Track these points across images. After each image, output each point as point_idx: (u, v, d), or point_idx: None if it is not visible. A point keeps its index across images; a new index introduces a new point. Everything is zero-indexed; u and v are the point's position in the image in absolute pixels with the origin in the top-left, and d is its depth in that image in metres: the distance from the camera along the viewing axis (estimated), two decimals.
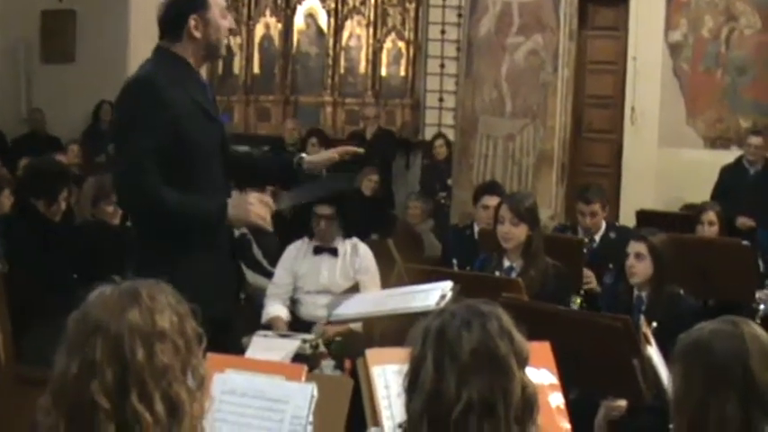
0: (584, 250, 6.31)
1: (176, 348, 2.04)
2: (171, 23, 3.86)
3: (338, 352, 4.98)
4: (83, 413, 1.99)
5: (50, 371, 2.07)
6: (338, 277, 5.93)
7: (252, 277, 7.13)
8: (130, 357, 1.99)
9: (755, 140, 8.94)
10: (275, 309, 6.01)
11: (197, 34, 3.80)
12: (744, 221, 8.46)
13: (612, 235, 6.84)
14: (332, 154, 4.11)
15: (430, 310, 3.51)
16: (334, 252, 6.05)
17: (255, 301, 6.50)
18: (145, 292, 2.08)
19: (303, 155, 4.19)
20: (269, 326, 5.90)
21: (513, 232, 5.36)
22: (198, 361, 2.10)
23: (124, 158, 3.77)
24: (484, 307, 2.24)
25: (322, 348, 5.27)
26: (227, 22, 3.89)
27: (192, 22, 3.79)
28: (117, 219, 6.30)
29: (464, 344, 2.16)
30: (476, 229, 7.10)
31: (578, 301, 5.76)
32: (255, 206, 3.77)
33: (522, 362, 2.20)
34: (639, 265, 5.11)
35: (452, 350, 2.16)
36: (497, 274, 5.35)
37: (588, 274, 6.15)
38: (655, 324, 4.36)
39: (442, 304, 3.62)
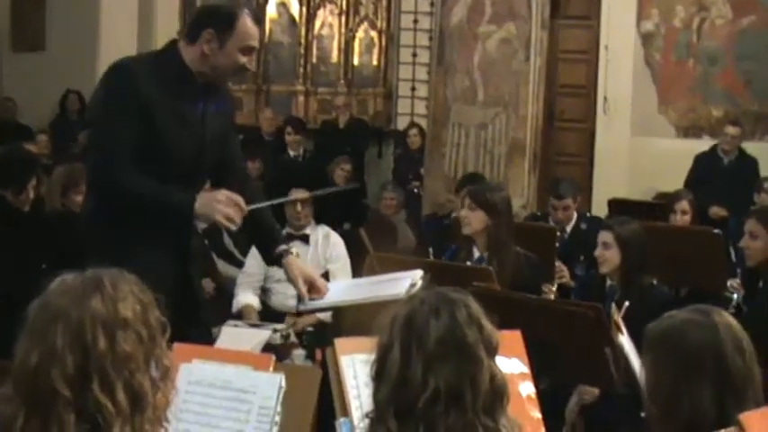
0: (557, 244, 6.32)
1: (139, 338, 2.02)
2: (193, 25, 3.82)
3: (310, 342, 4.96)
4: (43, 401, 1.97)
5: (12, 360, 2.05)
6: (309, 265, 5.90)
7: (223, 267, 7.11)
8: (92, 345, 1.97)
9: (732, 130, 8.97)
10: (246, 297, 5.99)
11: (206, 49, 3.72)
12: (716, 211, 8.49)
13: (583, 226, 6.87)
14: (301, 287, 3.95)
15: (399, 299, 3.53)
16: (305, 239, 6.03)
17: (226, 290, 6.48)
18: (108, 280, 2.05)
19: (291, 253, 4.01)
20: (240, 315, 5.88)
21: (469, 217, 5.34)
22: (161, 351, 2.08)
23: (96, 143, 3.74)
24: (453, 295, 2.22)
25: (293, 338, 5.25)
26: (242, 59, 3.76)
27: (206, 36, 3.71)
28: None
29: (431, 331, 2.13)
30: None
31: (553, 288, 5.76)
32: (224, 205, 3.69)
33: (492, 351, 2.17)
34: (607, 254, 5.13)
35: (419, 338, 2.13)
36: (468, 264, 5.33)
37: (561, 268, 6.15)
38: (627, 303, 4.33)
39: (412, 292, 3.58)
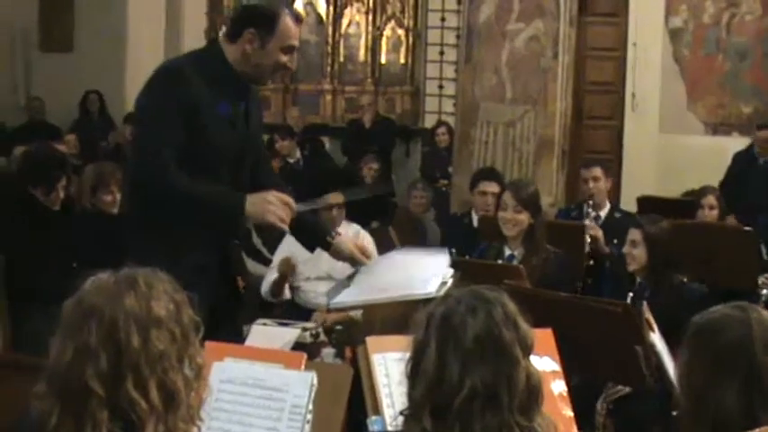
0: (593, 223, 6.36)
1: (173, 336, 2.04)
2: (234, 24, 3.83)
3: (339, 340, 4.95)
4: (77, 399, 1.98)
5: (46, 358, 2.06)
6: (339, 264, 5.89)
7: (252, 266, 7.12)
8: (125, 343, 1.99)
9: (763, 134, 8.89)
10: (275, 275, 6.05)
11: (248, 48, 3.73)
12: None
13: (618, 215, 6.88)
14: (359, 256, 4.00)
15: (430, 297, 3.53)
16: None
17: (255, 289, 6.49)
18: (142, 279, 2.07)
19: (336, 234, 4.11)
20: (269, 312, 5.89)
21: (516, 219, 5.35)
22: (195, 350, 2.09)
23: (144, 144, 3.73)
24: (489, 293, 2.21)
25: (322, 337, 5.25)
26: (284, 58, 3.77)
27: (248, 35, 3.73)
28: (115, 208, 6.26)
29: (468, 330, 2.13)
30: (474, 216, 7.08)
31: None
32: (275, 206, 3.70)
33: (527, 350, 2.17)
34: (634, 252, 5.13)
35: (456, 336, 2.13)
36: (499, 262, 5.33)
37: (596, 229, 6.20)
38: (645, 303, 4.33)
39: (443, 291, 3.58)
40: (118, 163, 6.85)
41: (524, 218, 5.34)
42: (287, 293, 6.10)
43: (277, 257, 6.20)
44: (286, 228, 3.76)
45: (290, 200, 3.75)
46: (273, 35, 3.72)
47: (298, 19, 3.83)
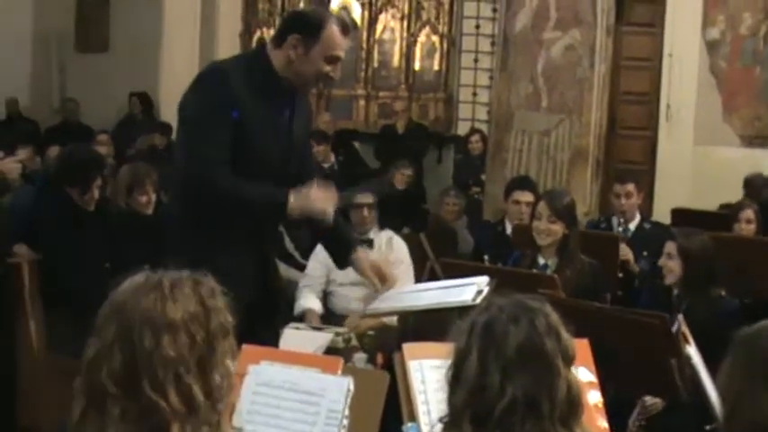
0: (623, 235, 6.33)
1: (192, 341, 2.00)
2: (281, 29, 3.87)
3: (371, 346, 4.97)
4: (97, 396, 1.98)
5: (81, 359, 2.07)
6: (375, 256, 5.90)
7: (284, 270, 7.12)
8: (138, 344, 1.97)
9: None
10: (308, 301, 6.02)
11: (291, 55, 3.75)
12: None
13: (647, 226, 6.86)
14: (374, 281, 3.97)
15: (466, 305, 3.53)
16: (369, 243, 6.05)
17: (287, 293, 6.50)
18: (168, 280, 2.05)
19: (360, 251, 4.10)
20: (302, 318, 5.90)
21: (551, 229, 5.34)
22: (221, 356, 2.03)
23: (192, 143, 3.75)
24: (532, 303, 2.22)
25: (354, 342, 5.27)
26: (327, 67, 3.78)
27: (292, 40, 3.74)
28: (150, 209, 6.30)
29: (510, 339, 2.14)
30: (507, 225, 7.06)
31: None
32: (319, 197, 3.74)
33: (569, 360, 2.17)
34: (670, 264, 5.12)
35: (498, 345, 2.14)
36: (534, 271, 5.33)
37: (625, 249, 6.17)
38: (680, 316, 4.31)
39: (479, 300, 3.58)
40: (153, 164, 6.88)
41: (558, 228, 5.32)
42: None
43: (312, 263, 6.21)
44: (330, 219, 3.78)
45: (334, 191, 3.81)
46: (318, 42, 3.73)
47: (345, 30, 3.82)
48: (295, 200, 3.73)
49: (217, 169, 3.66)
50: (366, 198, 6.01)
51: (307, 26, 3.75)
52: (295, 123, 3.90)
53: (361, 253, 4.03)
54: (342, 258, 4.10)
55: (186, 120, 3.81)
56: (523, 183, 7.27)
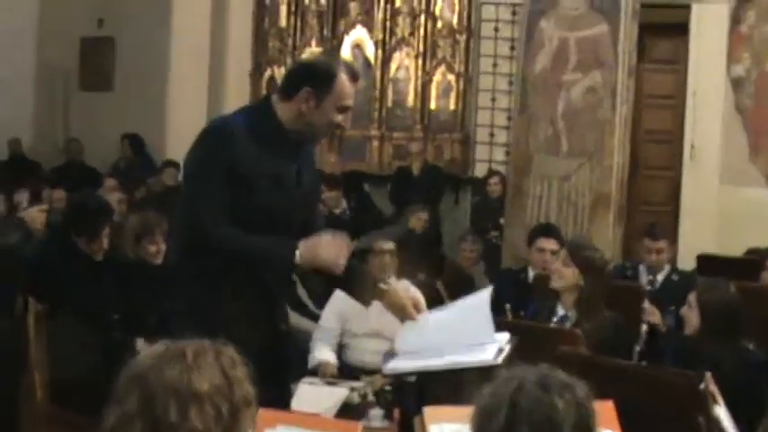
0: (648, 287, 6.31)
1: (218, 413, 2.03)
2: (289, 82, 3.90)
3: (388, 402, 4.99)
4: None
5: (84, 415, 2.09)
6: (389, 320, 5.92)
7: (296, 320, 7.14)
8: (162, 415, 2.00)
9: None
10: (323, 353, 6.03)
11: (303, 108, 3.79)
12: None
13: (675, 278, 6.87)
14: (410, 310, 3.99)
15: (488, 365, 3.57)
16: None
17: (299, 344, 6.52)
18: (192, 350, 2.08)
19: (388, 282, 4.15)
20: (316, 371, 5.92)
21: (561, 272, 5.38)
22: (244, 429, 2.08)
23: (194, 202, 3.80)
24: (563, 376, 2.26)
25: (371, 398, 5.28)
26: (339, 117, 3.84)
27: (304, 93, 3.78)
28: (159, 258, 6.36)
29: (564, 418, 2.18)
30: (530, 273, 7.09)
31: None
32: (329, 246, 3.77)
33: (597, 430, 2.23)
34: (688, 315, 5.15)
35: (553, 426, 2.17)
36: (553, 322, 5.35)
37: (652, 309, 6.16)
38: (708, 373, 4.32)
39: (500, 359, 3.62)
40: (164, 208, 6.94)
41: (571, 273, 5.35)
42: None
43: (326, 314, 6.24)
44: (340, 269, 3.81)
45: (344, 240, 3.83)
46: (330, 94, 3.78)
47: (354, 77, 3.87)
48: (304, 252, 3.76)
49: (217, 227, 3.71)
50: (387, 244, 6.05)
51: (318, 78, 3.79)
52: (303, 177, 3.95)
53: (389, 284, 4.06)
54: (367, 293, 4.11)
55: (188, 176, 3.90)
56: (548, 230, 7.31)
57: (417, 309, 3.99)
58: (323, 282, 5.22)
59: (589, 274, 5.34)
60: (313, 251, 3.77)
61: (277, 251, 3.81)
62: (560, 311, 5.43)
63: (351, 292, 4.18)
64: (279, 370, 3.94)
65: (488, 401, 2.24)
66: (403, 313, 4.00)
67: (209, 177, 3.73)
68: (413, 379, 5.14)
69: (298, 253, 3.75)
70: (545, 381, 2.23)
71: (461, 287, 7.98)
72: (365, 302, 4.24)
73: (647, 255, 7.04)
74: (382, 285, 4.05)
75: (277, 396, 3.72)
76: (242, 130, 3.78)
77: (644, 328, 5.99)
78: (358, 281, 4.08)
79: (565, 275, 5.39)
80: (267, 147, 3.78)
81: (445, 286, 7.66)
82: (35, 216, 6.92)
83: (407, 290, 6.10)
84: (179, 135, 11.80)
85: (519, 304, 6.34)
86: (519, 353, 3.68)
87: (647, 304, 6.10)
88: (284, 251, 3.78)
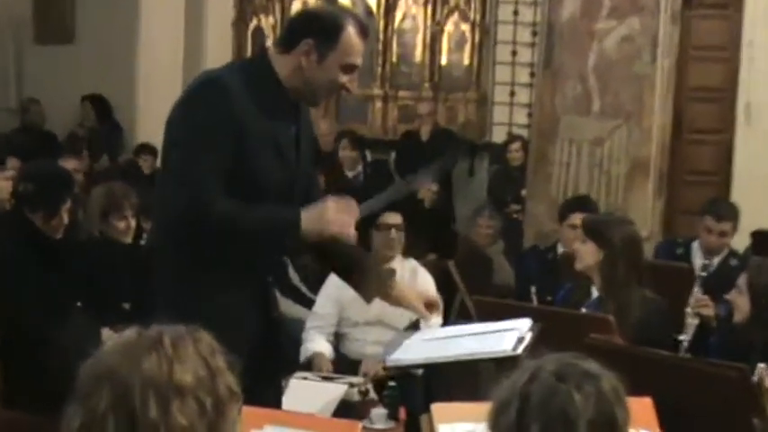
0: (704, 273, 6.30)
1: (201, 408, 2.05)
2: (290, 32, 3.90)
3: (392, 399, 5.01)
4: None
5: (45, 418, 2.11)
6: (393, 307, 5.94)
7: (287, 306, 7.15)
8: (140, 413, 2.00)
9: None
10: (317, 344, 6.07)
11: (303, 62, 3.80)
12: None
13: (733, 262, 6.84)
14: (422, 310, 4.07)
15: (506, 356, 3.59)
16: (390, 273, 6.09)
17: (291, 335, 6.54)
18: (169, 337, 2.09)
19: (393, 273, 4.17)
20: (309, 365, 5.94)
21: (580, 251, 5.41)
22: (229, 424, 2.10)
23: (184, 171, 3.77)
24: (588, 365, 2.27)
25: (372, 394, 5.31)
26: (343, 78, 3.83)
27: (304, 46, 3.79)
28: (129, 236, 6.37)
29: (580, 412, 2.19)
30: (560, 251, 7.10)
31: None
32: (336, 213, 3.79)
33: (629, 428, 2.24)
34: (737, 300, 5.17)
35: (566, 421, 2.19)
36: (586, 307, 5.36)
37: (704, 300, 6.13)
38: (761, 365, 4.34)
39: (520, 349, 3.64)
40: (133, 181, 6.95)
41: (589, 251, 5.36)
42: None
43: (321, 299, 6.26)
44: (352, 238, 3.84)
45: (352, 203, 3.85)
46: (334, 49, 3.79)
47: (364, 33, 3.87)
48: (308, 221, 3.77)
49: (211, 200, 3.70)
50: (392, 218, 6.08)
51: (322, 29, 3.79)
52: (302, 141, 3.96)
53: (405, 285, 4.09)
54: (370, 289, 4.14)
55: (176, 141, 3.83)
56: (583, 203, 7.29)
57: (431, 309, 4.01)
58: (318, 264, 5.24)
59: (607, 248, 5.33)
60: (318, 218, 3.78)
61: (279, 220, 3.82)
62: (594, 293, 5.45)
63: (351, 282, 4.21)
64: (270, 363, 3.98)
65: (502, 394, 2.26)
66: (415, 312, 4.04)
67: (206, 141, 3.71)
68: (420, 372, 5.18)
69: (302, 221, 3.77)
70: (563, 370, 2.24)
71: (477, 269, 8.02)
72: (366, 298, 4.25)
73: (706, 235, 6.99)
74: (389, 285, 4.09)
75: (266, 393, 3.75)
76: (238, 84, 3.76)
77: (692, 319, 5.96)
78: (361, 272, 4.12)
79: (583, 254, 5.41)
80: (264, 106, 3.78)
81: (458, 268, 7.67)
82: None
83: (414, 274, 6.19)
84: (151, 97, 11.78)
85: (547, 288, 6.36)
86: (544, 343, 3.70)
87: (699, 293, 6.06)
88: (288, 218, 3.79)
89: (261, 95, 3.78)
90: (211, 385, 2.07)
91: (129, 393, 2.00)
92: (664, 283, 5.56)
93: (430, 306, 4.11)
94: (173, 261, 3.85)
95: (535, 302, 6.42)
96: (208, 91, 3.80)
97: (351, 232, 3.84)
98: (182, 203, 3.76)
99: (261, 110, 3.77)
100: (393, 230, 6.13)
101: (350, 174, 11.03)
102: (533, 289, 6.68)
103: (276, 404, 3.91)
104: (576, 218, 6.74)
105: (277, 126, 3.84)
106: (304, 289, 7.36)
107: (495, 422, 2.25)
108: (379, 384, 5.43)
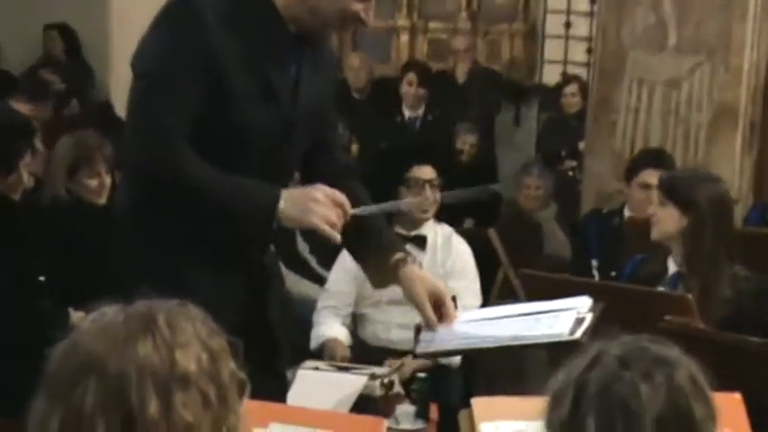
0: None
1: (206, 400, 2.03)
2: None
3: (422, 394, 5.02)
4: None
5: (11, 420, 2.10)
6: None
7: (293, 282, 7.17)
8: (138, 409, 1.98)
9: None
10: (331, 328, 6.06)
11: None
12: None
13: None
14: (428, 314, 4.00)
15: (561, 341, 3.57)
16: (420, 243, 6.07)
17: (300, 317, 6.55)
18: (163, 317, 2.07)
19: (410, 261, 4.09)
20: (321, 352, 5.95)
21: (658, 216, 5.37)
22: (236, 417, 2.09)
23: (144, 112, 3.77)
24: (664, 350, 2.25)
25: (398, 388, 5.31)
26: (357, 6, 3.82)
27: None
28: (103, 196, 6.37)
29: (647, 407, 2.17)
30: (627, 216, 7.07)
31: None
32: (321, 204, 3.75)
33: (715, 427, 2.21)
34: None
35: (629, 416, 2.17)
36: (664, 284, 5.34)
37: None
38: None
39: (579, 333, 3.62)
40: (105, 132, 6.93)
41: (668, 215, 5.33)
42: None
43: (336, 273, 6.24)
44: (336, 235, 3.80)
45: (344, 198, 3.81)
46: None
47: None
48: (287, 206, 3.75)
49: (174, 148, 3.69)
50: (425, 173, 6.03)
51: None
52: (304, 85, 3.93)
53: (412, 269, 4.02)
54: (379, 272, 4.11)
55: (139, 73, 3.83)
56: (657, 158, 7.22)
57: (441, 316, 3.96)
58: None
59: (693, 212, 5.29)
60: (301, 206, 3.76)
61: (254, 197, 3.79)
62: (672, 267, 5.41)
63: (361, 263, 4.21)
64: (266, 360, 3.95)
65: (558, 385, 2.24)
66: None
67: (173, 78, 3.70)
68: (457, 362, 5.18)
69: (280, 204, 3.74)
70: (630, 355, 2.23)
71: (523, 237, 8.04)
72: (376, 285, 4.24)
73: None
74: (401, 268, 4.01)
75: (265, 384, 3.74)
76: (219, 10, 3.74)
77: None
78: (371, 248, 4.09)
79: (662, 220, 5.36)
80: (253, 40, 3.77)
81: (500, 237, 7.67)
82: None
83: (448, 243, 6.17)
84: (126, 34, 11.75)
85: (611, 260, 6.34)
86: (610, 327, 3.67)
87: None
88: (262, 199, 3.78)
89: (250, 28, 3.77)
90: (215, 372, 2.06)
91: (123, 387, 1.98)
92: (755, 255, 5.52)
93: (441, 311, 3.97)
94: (137, 224, 3.88)
95: (596, 278, 6.41)
96: (179, 14, 3.78)
97: (335, 231, 3.79)
98: (137, 151, 3.80)
99: (249, 45, 3.76)
100: (427, 187, 6.08)
101: (409, 115, 11.01)
102: (594, 262, 6.66)
103: (280, 399, 3.90)
104: (648, 175, 6.71)
105: (270, 65, 3.82)
106: (313, 262, 7.36)
107: (549, 418, 2.23)
108: (409, 378, 5.43)
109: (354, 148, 10.36)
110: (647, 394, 2.18)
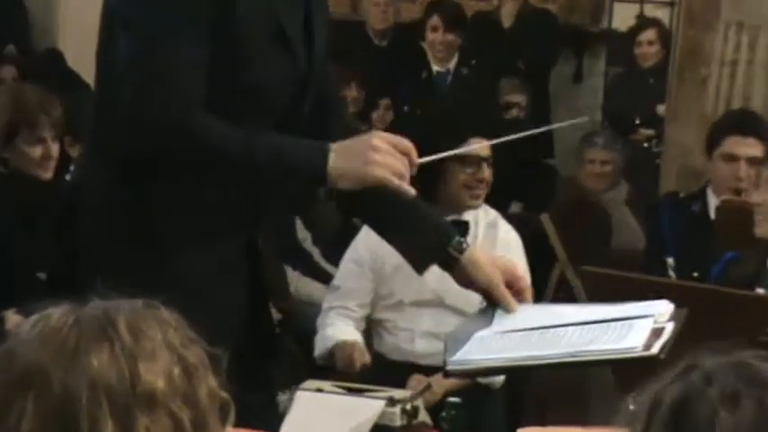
0: None
1: (177, 426, 2.05)
2: None
3: (455, 422, 5.05)
4: None
5: None
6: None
7: (294, 280, 7.20)
8: None
9: None
10: (342, 330, 6.05)
11: None
12: None
13: None
14: (503, 294, 4.04)
15: (635, 357, 3.59)
16: (463, 228, 6.06)
17: (299, 325, 6.58)
18: (124, 320, 2.07)
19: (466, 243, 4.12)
20: (326, 365, 5.97)
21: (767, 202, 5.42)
22: None
23: (142, 57, 3.78)
24: (764, 367, 2.27)
25: (424, 416, 5.34)
26: None
27: None
28: (49, 170, 6.40)
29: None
30: (711, 201, 7.07)
31: None
32: (384, 154, 3.77)
33: None
34: None
35: None
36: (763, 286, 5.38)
37: None
38: None
39: (657, 347, 3.63)
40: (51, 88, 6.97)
41: None
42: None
43: (347, 265, 6.24)
44: (409, 189, 3.81)
45: (410, 145, 3.83)
46: None
47: None
48: (341, 158, 3.77)
49: (193, 108, 3.72)
50: (482, 149, 5.98)
51: None
52: (314, 33, 4.00)
53: (473, 251, 4.07)
54: (428, 257, 4.17)
55: (133, 22, 3.84)
56: (746, 122, 7.15)
57: (515, 290, 4.01)
58: (340, 215, 5.25)
59: None
60: (358, 155, 3.77)
61: (298, 155, 3.80)
62: None
63: (401, 248, 4.23)
64: (258, 378, 4.04)
65: (635, 406, 2.26)
66: (489, 295, 4.03)
67: (177, 21, 3.74)
68: (499, 382, 5.19)
69: (330, 159, 3.75)
70: (720, 370, 2.24)
71: (585, 225, 8.05)
72: (419, 268, 4.26)
73: None
74: (452, 250, 4.05)
75: (260, 408, 3.79)
76: None
77: None
78: (419, 232, 4.12)
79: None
80: None
81: (556, 224, 7.71)
82: None
83: (494, 230, 6.20)
84: None
85: (693, 256, 6.36)
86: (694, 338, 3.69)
87: None
88: (310, 156, 3.79)
89: None
90: (189, 391, 2.07)
91: (70, 407, 1.99)
92: None
93: (515, 290, 4.06)
94: (111, 205, 3.90)
95: (673, 277, 6.42)
96: None
97: (404, 182, 3.81)
98: (139, 108, 3.77)
99: None
100: (484, 165, 6.08)
101: (437, 69, 11.09)
102: (670, 260, 6.67)
103: (274, 426, 3.95)
104: (735, 144, 6.68)
105: (279, 8, 3.87)
106: (316, 253, 7.40)
107: None
108: (436, 403, 5.47)
109: (386, 114, 10.42)
110: (725, 420, 2.20)
